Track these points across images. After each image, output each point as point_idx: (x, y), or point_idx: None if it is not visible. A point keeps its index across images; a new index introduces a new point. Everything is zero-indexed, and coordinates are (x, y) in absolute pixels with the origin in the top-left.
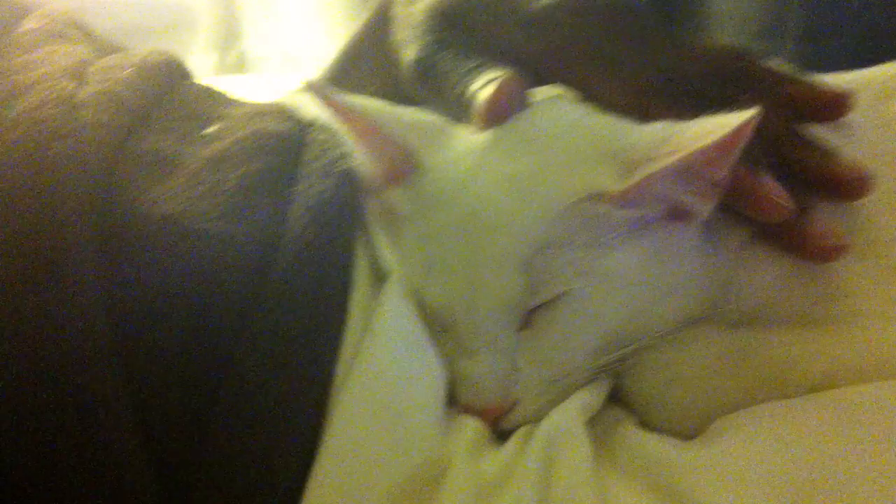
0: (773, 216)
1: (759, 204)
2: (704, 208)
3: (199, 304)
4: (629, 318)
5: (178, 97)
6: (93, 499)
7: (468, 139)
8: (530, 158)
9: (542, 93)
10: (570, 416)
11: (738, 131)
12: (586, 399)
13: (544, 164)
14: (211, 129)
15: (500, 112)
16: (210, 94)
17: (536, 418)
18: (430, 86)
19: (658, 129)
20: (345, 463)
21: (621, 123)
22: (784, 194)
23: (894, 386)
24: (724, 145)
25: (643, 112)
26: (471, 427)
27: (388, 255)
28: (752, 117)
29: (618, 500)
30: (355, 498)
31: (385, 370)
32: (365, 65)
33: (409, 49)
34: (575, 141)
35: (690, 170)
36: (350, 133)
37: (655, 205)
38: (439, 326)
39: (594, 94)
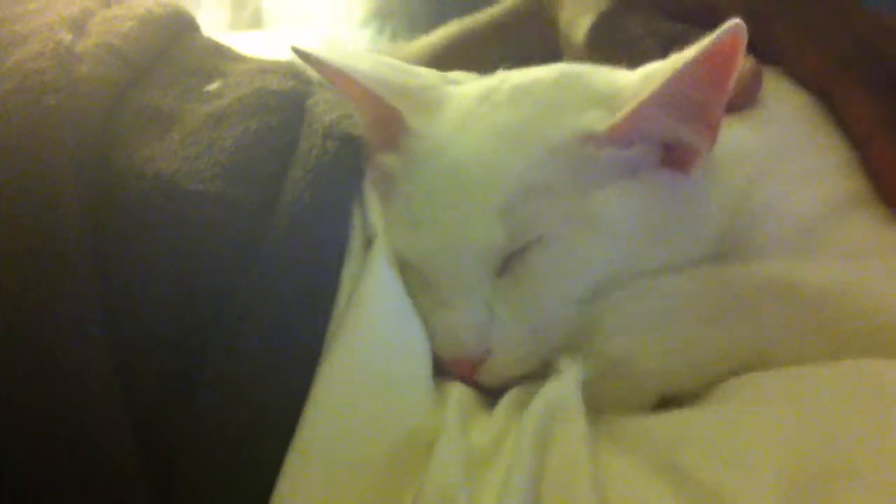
0: None
1: None
2: (703, 146)
3: (190, 266)
4: (615, 266)
5: (182, 51)
6: (73, 468)
7: (460, 96)
8: (516, 108)
9: None
10: (567, 389)
11: (718, 44)
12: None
13: (530, 113)
14: (213, 86)
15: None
16: (216, 50)
17: (514, 372)
18: (613, 52)
19: (646, 69)
20: (329, 434)
21: (612, 71)
22: None
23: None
24: (707, 61)
25: (835, 83)
26: (457, 393)
27: (377, 219)
28: (733, 30)
29: (615, 480)
30: (340, 469)
31: (370, 340)
32: (511, 42)
33: (584, 19)
34: (563, 89)
35: (679, 98)
36: (345, 96)
37: (647, 145)
38: (419, 283)
39: (788, 58)
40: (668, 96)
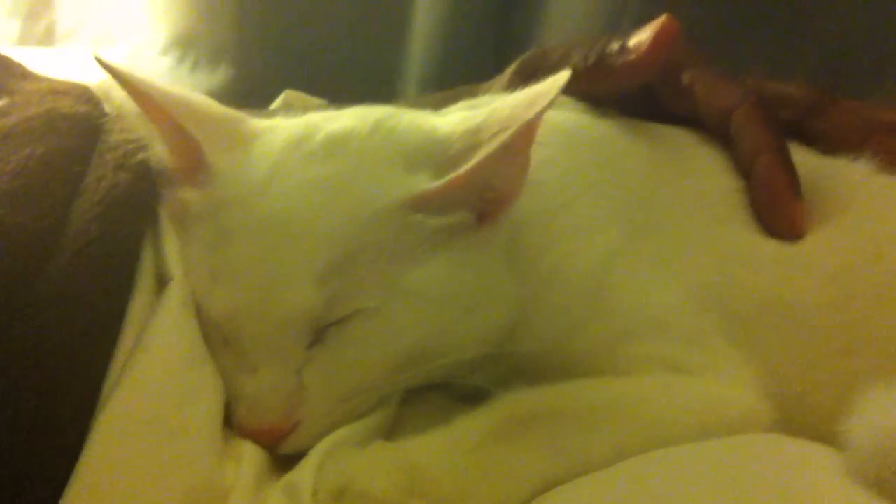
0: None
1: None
2: (516, 190)
3: None
4: (430, 336)
5: None
6: None
7: (267, 139)
8: (331, 162)
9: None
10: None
11: (552, 100)
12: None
13: (348, 169)
14: None
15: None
16: (4, 65)
17: (318, 440)
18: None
19: (464, 119)
20: (105, 484)
21: (426, 119)
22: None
23: (684, 451)
24: (537, 119)
25: (742, 119)
26: (252, 451)
27: (174, 258)
28: (562, 83)
29: None
30: None
31: (156, 386)
32: None
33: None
34: (379, 143)
35: (509, 151)
36: (147, 120)
37: (470, 204)
38: (221, 339)
39: (699, 100)
40: (503, 153)
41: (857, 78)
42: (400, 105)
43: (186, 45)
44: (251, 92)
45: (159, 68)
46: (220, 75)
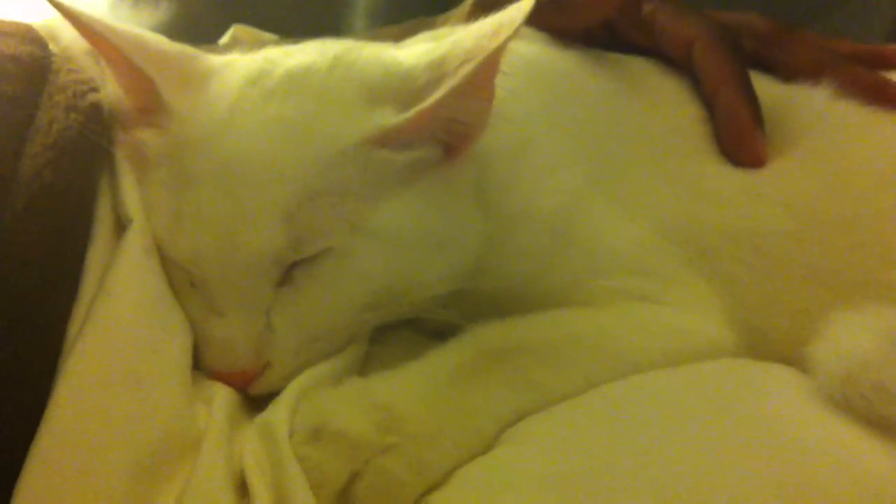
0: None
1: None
2: (482, 123)
3: None
4: (397, 274)
5: None
6: None
7: (224, 76)
8: (296, 99)
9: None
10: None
11: (517, 29)
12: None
13: (309, 107)
14: None
15: None
16: None
17: (288, 381)
18: None
19: (427, 51)
20: (73, 437)
21: (387, 52)
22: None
23: (654, 378)
24: (502, 49)
25: (704, 50)
26: (223, 395)
27: (133, 201)
28: (527, 10)
29: None
30: (86, 475)
31: (120, 333)
32: None
33: None
34: (340, 78)
35: (475, 82)
36: (100, 60)
37: (436, 138)
38: (186, 282)
39: (661, 32)
40: (461, 90)
41: (804, 14)
42: (359, 38)
43: None
44: (196, 27)
45: (100, 6)
46: (162, 11)
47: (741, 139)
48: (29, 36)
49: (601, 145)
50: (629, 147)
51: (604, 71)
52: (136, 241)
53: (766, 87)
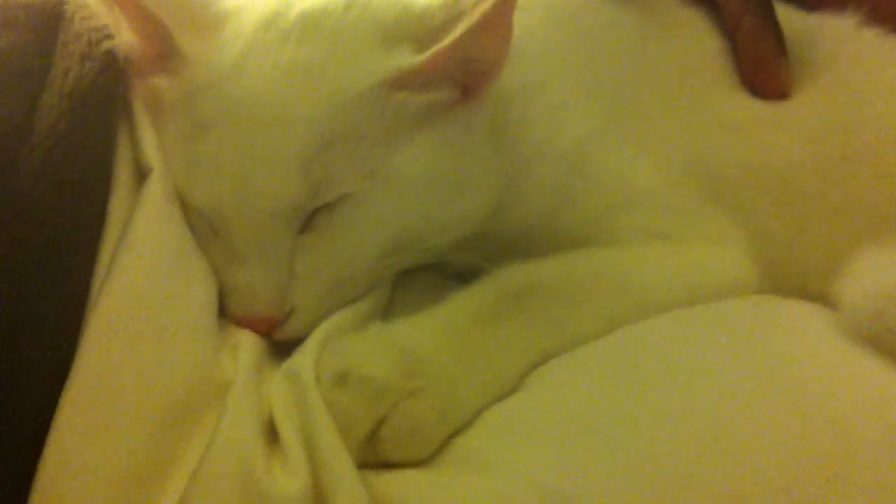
0: None
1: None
2: (501, 61)
3: None
4: (417, 219)
5: None
6: None
7: (238, 20)
8: (311, 43)
9: None
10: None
11: None
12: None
13: (324, 49)
14: None
15: None
16: None
17: (314, 326)
18: None
19: None
20: (100, 389)
21: None
22: None
23: (678, 317)
24: None
25: None
26: (249, 342)
27: (153, 149)
28: None
29: None
30: (116, 424)
31: (144, 284)
32: None
33: None
34: (355, 20)
35: (492, 20)
36: (112, 6)
37: (453, 78)
38: (209, 230)
39: None
40: (479, 29)
41: None
42: None
43: None
44: None
45: None
46: None
47: (764, 70)
48: None
49: (620, 81)
50: (649, 82)
51: (622, 4)
52: (156, 189)
53: (789, 17)
